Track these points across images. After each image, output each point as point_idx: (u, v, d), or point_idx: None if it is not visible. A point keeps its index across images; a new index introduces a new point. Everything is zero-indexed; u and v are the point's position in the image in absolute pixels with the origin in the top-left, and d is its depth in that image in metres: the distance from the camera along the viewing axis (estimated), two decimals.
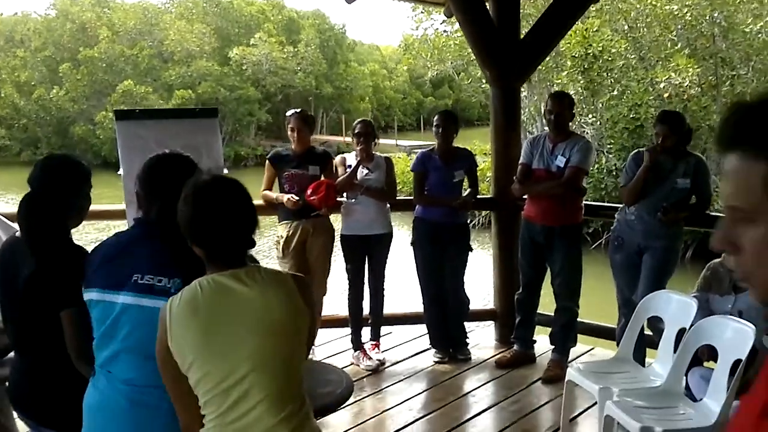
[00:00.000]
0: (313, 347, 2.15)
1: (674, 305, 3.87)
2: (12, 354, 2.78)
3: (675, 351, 3.75)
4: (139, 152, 4.60)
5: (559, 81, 18.59)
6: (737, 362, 3.31)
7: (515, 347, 5.36)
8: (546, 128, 5.08)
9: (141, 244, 2.26)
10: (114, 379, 2.19)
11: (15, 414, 2.88)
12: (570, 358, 5.16)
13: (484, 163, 14.78)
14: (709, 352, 3.96)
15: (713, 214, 5.23)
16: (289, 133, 5.09)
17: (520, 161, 5.12)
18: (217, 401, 1.93)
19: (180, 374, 1.93)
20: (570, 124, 5.09)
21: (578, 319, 5.19)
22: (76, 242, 2.59)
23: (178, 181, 2.23)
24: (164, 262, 2.20)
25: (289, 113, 5.19)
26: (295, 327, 2.00)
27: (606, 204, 6.22)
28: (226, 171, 5.04)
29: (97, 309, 2.21)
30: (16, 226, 2.64)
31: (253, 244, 2.03)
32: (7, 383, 2.70)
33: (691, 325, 3.64)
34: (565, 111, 4.96)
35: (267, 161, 5.17)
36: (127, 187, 4.41)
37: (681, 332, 3.73)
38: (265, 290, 1.97)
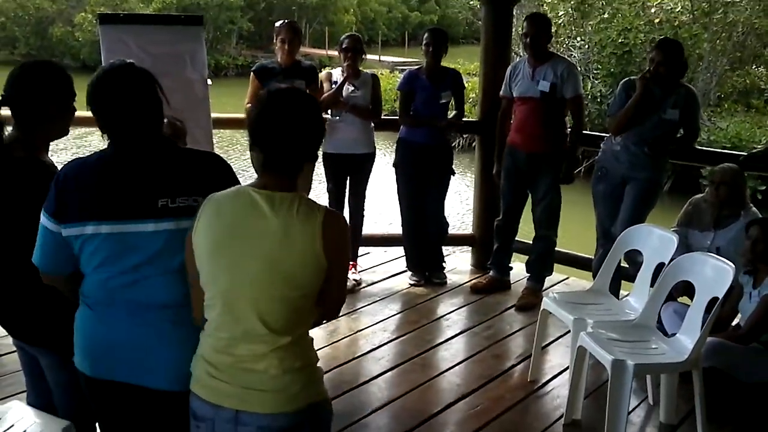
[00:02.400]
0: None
1: (655, 239, 3.84)
2: None
3: (652, 285, 3.76)
4: (122, 57, 4.47)
5: (550, 0, 18.23)
6: (713, 300, 3.31)
7: (491, 273, 5.37)
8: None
9: (143, 165, 2.09)
10: (146, 307, 2.09)
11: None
12: (545, 287, 5.18)
13: (468, 83, 14.61)
14: (683, 289, 3.99)
15: (699, 148, 5.20)
16: (278, 44, 4.92)
17: (500, 93, 5.07)
18: (215, 310, 1.95)
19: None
20: (548, 45, 4.94)
21: (555, 248, 5.19)
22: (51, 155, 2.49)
23: (133, 95, 2.10)
24: (190, 181, 2.10)
25: (278, 24, 5.01)
26: (305, 274, 1.91)
27: (591, 132, 6.13)
28: (209, 81, 4.92)
29: (108, 241, 2.06)
30: None
31: (314, 157, 2.02)
32: None
33: (671, 261, 3.63)
34: (542, 33, 4.82)
35: (252, 74, 5.02)
36: None
37: (659, 267, 3.71)
38: (290, 227, 1.89)
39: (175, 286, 2.07)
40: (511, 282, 5.36)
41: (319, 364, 2.07)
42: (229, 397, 1.92)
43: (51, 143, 2.53)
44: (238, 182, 2.14)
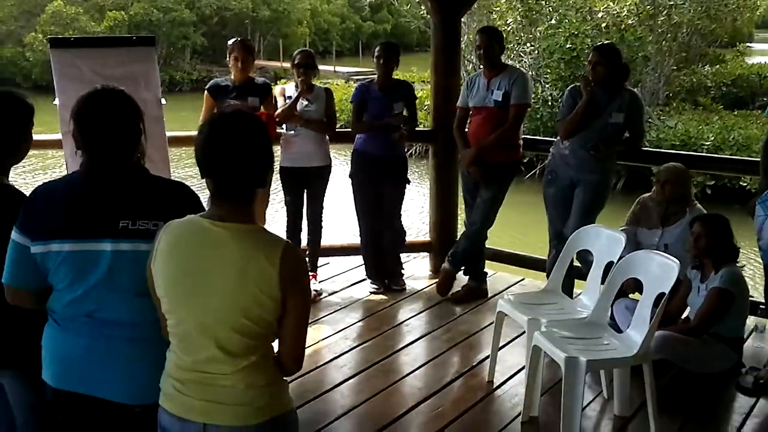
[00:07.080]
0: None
1: (604, 239, 3.97)
2: None
3: (602, 283, 3.88)
4: (74, 81, 4.50)
5: (498, 8, 18.49)
6: (661, 295, 3.44)
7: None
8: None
9: (110, 188, 2.18)
10: (103, 323, 2.16)
11: None
12: (501, 289, 5.28)
13: (423, 91, 14.76)
14: (634, 285, 4.13)
15: (645, 149, 5.37)
16: (231, 62, 4.99)
17: (457, 104, 5.17)
18: (176, 337, 2.00)
19: None
20: (502, 56, 5.11)
21: (510, 251, 5.30)
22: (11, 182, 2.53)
23: (115, 121, 2.19)
24: (153, 206, 2.16)
25: (231, 42, 5.08)
26: (263, 307, 1.92)
27: (543, 138, 6.28)
28: (163, 101, 4.95)
29: (70, 259, 2.13)
30: None
31: (263, 183, 1.99)
32: None
33: (620, 259, 3.76)
34: (494, 44, 4.96)
35: (206, 92, 5.07)
36: (64, 118, 4.29)
37: (609, 265, 3.84)
38: (248, 262, 1.90)
39: (129, 304, 2.14)
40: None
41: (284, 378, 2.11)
42: (196, 411, 1.96)
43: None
44: (203, 210, 2.15)
